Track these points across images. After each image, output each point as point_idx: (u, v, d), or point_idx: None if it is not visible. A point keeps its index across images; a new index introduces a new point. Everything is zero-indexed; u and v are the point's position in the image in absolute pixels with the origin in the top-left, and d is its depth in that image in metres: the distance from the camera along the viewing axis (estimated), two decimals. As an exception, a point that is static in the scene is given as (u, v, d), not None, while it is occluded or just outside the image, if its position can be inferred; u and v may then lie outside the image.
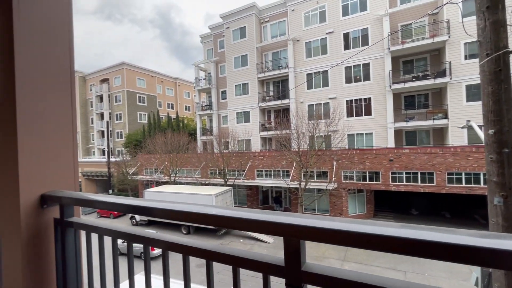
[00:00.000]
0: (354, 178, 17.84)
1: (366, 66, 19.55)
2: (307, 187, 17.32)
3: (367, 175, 17.48)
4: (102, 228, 1.28)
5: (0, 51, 1.36)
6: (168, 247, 0.98)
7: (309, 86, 21.50)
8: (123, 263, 1.07)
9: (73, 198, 1.35)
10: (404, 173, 16.32)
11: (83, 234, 1.39)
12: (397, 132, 19.10)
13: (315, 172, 18.87)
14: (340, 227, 0.58)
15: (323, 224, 0.60)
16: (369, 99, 19.44)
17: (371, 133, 19.51)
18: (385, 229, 0.55)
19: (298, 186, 17.59)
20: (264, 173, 21.09)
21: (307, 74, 21.63)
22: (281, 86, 23.52)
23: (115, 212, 21.89)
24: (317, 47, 21.30)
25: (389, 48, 18.26)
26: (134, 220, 20.92)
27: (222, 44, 26.77)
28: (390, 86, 18.22)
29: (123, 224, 19.80)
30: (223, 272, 11.74)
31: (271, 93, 23.90)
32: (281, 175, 19.99)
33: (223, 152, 21.37)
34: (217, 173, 22.27)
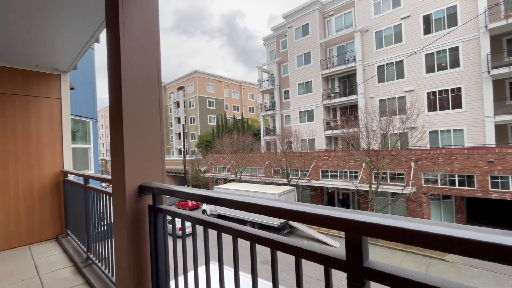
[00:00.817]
0: (439, 182, 15.39)
1: (454, 50, 16.59)
2: (378, 190, 15.83)
3: (456, 179, 14.84)
4: (184, 214, 1.52)
5: (113, 69, 1.74)
6: (238, 234, 1.10)
7: (381, 79, 19.58)
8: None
9: (162, 188, 1.63)
10: (511, 178, 13.21)
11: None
12: (499, 128, 15.58)
13: (388, 174, 17.08)
14: (406, 226, 0.56)
15: (386, 222, 0.59)
16: (459, 89, 16.45)
17: (462, 130, 16.48)
18: (465, 232, 0.50)
19: (368, 189, 16.25)
20: (329, 173, 20.24)
21: (378, 67, 19.74)
22: (347, 82, 22.12)
23: (190, 205, 24.49)
24: (390, 36, 19.21)
25: (486, 26, 15.05)
26: (205, 214, 22.96)
27: (285, 44, 26.86)
28: (489, 72, 14.99)
29: (197, 216, 21.96)
30: (286, 271, 11.81)
31: (337, 90, 22.73)
32: (348, 176, 18.82)
33: (286, 151, 21.42)
34: (280, 173, 22.47)
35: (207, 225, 1.28)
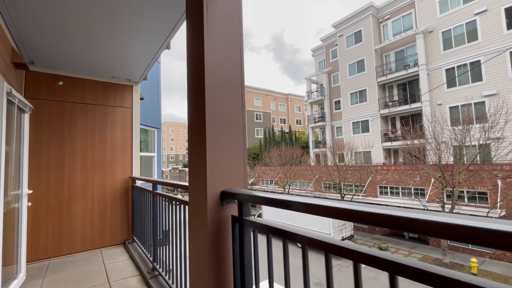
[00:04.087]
0: (539, 204, 12.41)
1: (551, 44, 13.70)
2: (454, 211, 13.48)
3: None
4: (273, 227, 1.18)
5: (196, 71, 1.56)
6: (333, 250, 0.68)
7: (450, 84, 17.22)
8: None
9: (250, 195, 1.33)
10: None
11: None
12: None
13: (465, 192, 14.51)
14: None
15: None
16: (561, 90, 13.37)
17: None
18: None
19: (440, 209, 13.98)
20: (389, 190, 18.19)
21: (447, 70, 17.46)
22: (408, 89, 20.06)
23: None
24: (461, 35, 16.94)
25: None
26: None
27: (335, 53, 25.97)
28: None
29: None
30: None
31: (395, 98, 20.76)
32: (413, 193, 16.61)
33: (339, 165, 20.07)
34: (332, 187, 21.09)
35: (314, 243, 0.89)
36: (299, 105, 49.46)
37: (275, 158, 26.12)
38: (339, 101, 25.04)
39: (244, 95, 1.70)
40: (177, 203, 2.25)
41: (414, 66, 18.92)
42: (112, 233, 4.01)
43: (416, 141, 16.10)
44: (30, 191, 3.08)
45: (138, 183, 4.11)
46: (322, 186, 22.40)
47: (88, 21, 2.69)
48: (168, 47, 3.25)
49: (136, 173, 4.30)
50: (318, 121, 28.03)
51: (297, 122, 48.56)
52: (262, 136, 40.01)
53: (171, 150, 69.88)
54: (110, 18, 2.64)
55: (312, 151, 28.11)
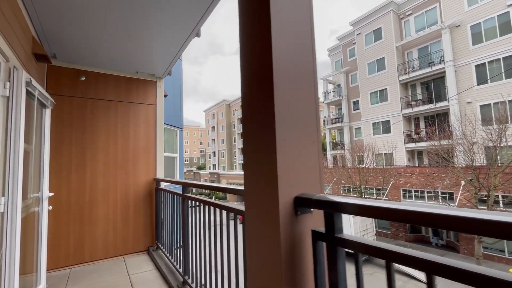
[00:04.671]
0: None
1: None
2: (489, 217, 12.44)
3: None
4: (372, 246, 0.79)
5: (261, 63, 1.20)
6: None
7: (481, 81, 16.13)
8: None
9: (347, 203, 0.94)
10: None
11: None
12: None
13: (500, 197, 13.43)
14: None
15: None
16: None
17: None
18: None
19: (473, 215, 12.96)
20: (413, 193, 17.24)
21: (477, 66, 16.39)
22: (433, 87, 19.03)
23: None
24: (492, 28, 15.86)
25: None
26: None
27: (353, 52, 25.20)
28: None
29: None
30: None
31: (419, 97, 19.75)
32: (439, 197, 15.62)
33: (359, 167, 19.27)
34: (351, 190, 20.28)
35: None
36: (313, 107, 48.67)
37: (291, 160, 25.57)
38: (357, 101, 24.20)
39: (317, 83, 1.32)
40: (215, 209, 1.89)
41: (440, 63, 17.92)
42: (135, 239, 3.72)
43: (443, 142, 15.13)
44: (51, 194, 2.83)
45: (162, 185, 3.81)
46: (341, 189, 21.63)
47: (113, 10, 2.42)
48: (198, 35, 2.93)
49: (160, 174, 4.01)
50: (335, 122, 27.26)
51: (312, 124, 47.77)
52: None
53: (185, 152, 70.68)
54: (136, 4, 2.35)
55: (329, 153, 27.34)
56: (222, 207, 1.83)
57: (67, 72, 3.48)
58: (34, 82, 2.13)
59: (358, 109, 23.99)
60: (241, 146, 44.89)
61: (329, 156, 27.20)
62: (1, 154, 1.91)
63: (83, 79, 3.56)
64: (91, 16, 2.56)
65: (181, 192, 2.74)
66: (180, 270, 2.67)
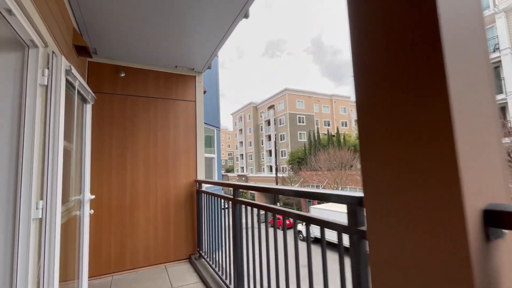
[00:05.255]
0: None
1: None
2: None
3: None
4: None
5: (424, 36, 0.76)
6: None
7: (547, 69, 14.01)
8: None
9: None
10: None
11: None
12: None
13: None
14: None
15: None
16: None
17: None
18: None
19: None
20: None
21: (541, 52, 14.28)
22: (485, 79, 16.97)
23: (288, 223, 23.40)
24: (561, 7, 13.72)
25: None
26: (300, 235, 21.32)
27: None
28: None
29: None
30: None
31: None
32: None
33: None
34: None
35: None
36: (344, 106, 46.72)
37: (323, 162, 24.56)
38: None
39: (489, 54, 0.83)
40: (287, 217, 1.45)
41: (494, 51, 15.96)
42: (176, 246, 3.44)
43: (507, 140, 13.29)
44: (93, 196, 2.62)
45: (204, 187, 3.51)
46: (378, 192, 20.14)
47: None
48: (246, 15, 2.57)
49: (201, 175, 3.71)
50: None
51: (343, 124, 45.84)
52: (306, 140, 38.55)
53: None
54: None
55: (364, 154, 25.78)
56: (294, 216, 1.40)
57: (107, 68, 3.32)
58: (74, 71, 1.90)
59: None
60: (270, 148, 44.52)
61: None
62: (39, 152, 1.67)
63: (123, 75, 3.38)
64: (132, 8, 2.33)
65: (222, 194, 2.37)
66: (231, 286, 2.29)
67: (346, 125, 45.76)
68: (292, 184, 30.31)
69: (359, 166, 19.77)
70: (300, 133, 41.62)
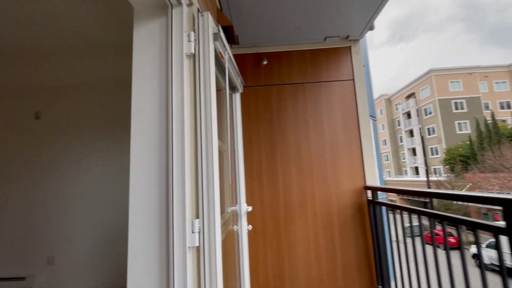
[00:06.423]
0: None
1: None
2: None
3: None
4: None
5: None
6: None
7: None
8: None
9: None
10: None
11: None
12: None
13: None
14: None
15: None
16: None
17: None
18: None
19: None
20: None
21: None
22: None
23: (451, 241, 17.87)
24: None
25: None
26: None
27: None
28: None
29: None
30: None
31: None
32: None
33: None
34: None
35: None
36: (535, 77, 31.93)
37: (510, 160, 17.14)
38: None
39: None
40: None
41: None
42: (346, 276, 2.51)
43: None
44: (250, 208, 2.13)
45: (379, 196, 2.41)
46: None
47: None
48: None
49: (371, 180, 2.64)
50: None
51: (534, 103, 31.37)
52: (469, 131, 28.92)
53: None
54: None
55: None
56: None
57: (249, 58, 2.93)
58: (223, 36, 1.37)
59: None
60: (413, 146, 36.60)
61: None
62: (191, 152, 1.18)
63: (265, 63, 2.89)
64: None
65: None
66: None
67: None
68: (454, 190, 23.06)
69: None
70: (459, 123, 31.78)
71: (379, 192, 2.47)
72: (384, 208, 2.37)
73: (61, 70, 3.52)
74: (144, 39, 1.20)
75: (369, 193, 2.58)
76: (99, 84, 3.87)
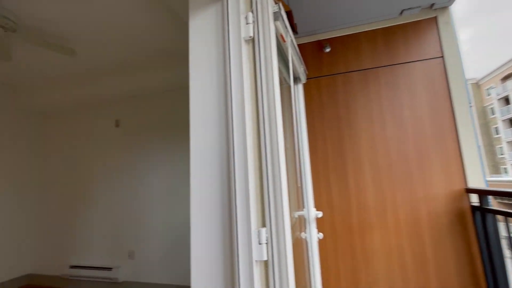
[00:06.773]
0: None
1: None
2: None
3: None
4: None
5: None
6: None
7: None
8: None
9: None
10: None
11: None
12: None
13: None
14: None
15: None
16: None
17: None
18: None
19: None
20: None
21: None
22: None
23: None
24: None
25: None
26: None
27: None
28: None
29: None
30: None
31: None
32: None
33: None
34: None
35: None
36: None
37: None
38: None
39: None
40: None
41: None
42: (444, 301, 2.01)
43: None
44: (320, 214, 1.88)
45: (489, 201, 1.86)
46: None
47: None
48: None
49: (475, 180, 2.07)
50: None
51: None
52: None
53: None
54: None
55: None
56: None
57: (309, 48, 2.67)
58: (284, 15, 1.18)
59: None
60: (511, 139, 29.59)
61: None
62: (254, 152, 1.02)
63: (327, 50, 2.59)
64: None
65: None
66: None
67: None
68: None
69: None
70: None
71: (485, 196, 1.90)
72: (492, 216, 1.81)
73: (138, 80, 3.91)
74: (199, 30, 1.10)
75: (473, 197, 2.02)
76: (171, 90, 4.16)
